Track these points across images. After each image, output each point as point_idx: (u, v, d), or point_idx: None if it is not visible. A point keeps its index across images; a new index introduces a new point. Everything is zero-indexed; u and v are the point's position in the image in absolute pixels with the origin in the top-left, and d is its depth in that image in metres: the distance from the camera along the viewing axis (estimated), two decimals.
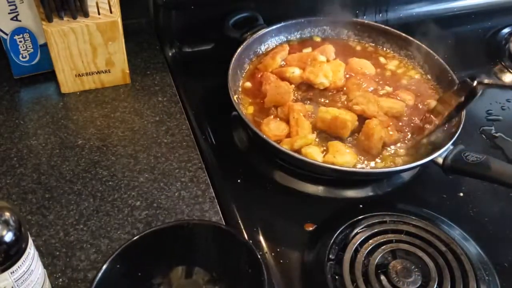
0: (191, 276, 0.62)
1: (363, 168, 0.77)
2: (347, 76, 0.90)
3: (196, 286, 0.62)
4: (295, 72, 0.88)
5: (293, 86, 0.86)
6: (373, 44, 0.99)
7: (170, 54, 0.99)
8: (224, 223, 0.70)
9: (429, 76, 0.93)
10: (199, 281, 0.62)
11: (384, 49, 0.98)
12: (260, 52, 0.94)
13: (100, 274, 0.55)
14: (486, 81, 0.72)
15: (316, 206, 0.76)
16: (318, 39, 0.99)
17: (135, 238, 0.59)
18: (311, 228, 0.72)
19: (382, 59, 0.96)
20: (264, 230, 0.71)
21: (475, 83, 0.72)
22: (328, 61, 0.91)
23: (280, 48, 0.93)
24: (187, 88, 0.92)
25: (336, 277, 0.65)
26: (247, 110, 0.84)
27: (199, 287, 0.62)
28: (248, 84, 0.88)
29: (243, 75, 0.90)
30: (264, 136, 0.76)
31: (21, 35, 0.84)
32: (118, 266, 0.57)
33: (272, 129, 0.80)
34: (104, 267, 0.56)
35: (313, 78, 0.86)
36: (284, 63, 0.92)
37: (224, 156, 0.82)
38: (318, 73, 0.86)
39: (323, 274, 0.65)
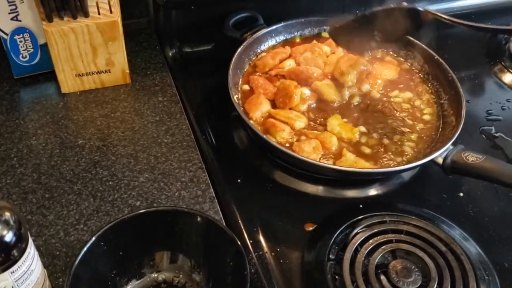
0: (176, 262, 0.63)
1: (363, 168, 0.77)
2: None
3: (180, 272, 0.63)
4: (291, 64, 0.89)
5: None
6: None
7: (170, 54, 0.99)
8: (224, 223, 0.70)
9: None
10: (184, 267, 0.63)
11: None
12: (259, 51, 0.94)
13: (85, 249, 0.56)
14: (431, 10, 0.79)
15: (316, 206, 0.76)
16: (326, 35, 0.99)
17: (122, 217, 0.60)
18: (311, 228, 0.72)
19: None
20: (264, 230, 0.71)
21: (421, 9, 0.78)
22: (333, 52, 0.92)
23: (282, 50, 0.92)
24: (187, 88, 0.92)
25: (336, 277, 0.65)
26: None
27: (183, 273, 0.63)
28: (246, 87, 0.88)
29: (242, 77, 0.90)
30: (265, 136, 0.76)
31: (21, 35, 0.84)
32: (102, 243, 0.58)
33: (308, 152, 0.77)
34: (90, 242, 0.57)
35: (304, 65, 0.87)
36: (289, 55, 0.92)
37: (224, 156, 0.82)
38: (311, 63, 0.87)
39: (323, 274, 0.65)
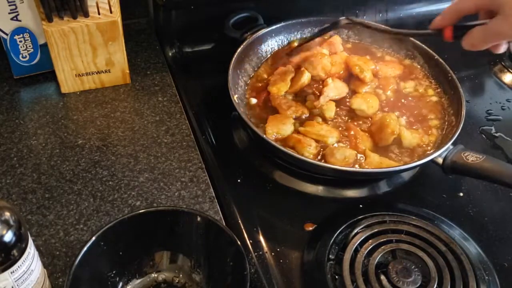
0: (176, 262, 0.63)
1: (362, 167, 0.77)
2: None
3: (179, 272, 0.63)
4: (307, 76, 0.87)
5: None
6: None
7: (170, 54, 0.99)
8: (224, 223, 0.70)
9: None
10: (184, 267, 0.63)
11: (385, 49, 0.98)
12: (260, 52, 0.94)
13: (85, 249, 0.56)
14: (353, 18, 0.81)
15: (316, 206, 0.76)
16: (326, 37, 0.98)
17: (122, 217, 0.60)
18: (311, 228, 0.72)
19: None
20: (264, 230, 0.71)
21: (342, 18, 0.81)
22: (335, 53, 0.92)
23: (286, 69, 0.89)
24: (187, 88, 0.92)
25: (336, 277, 0.65)
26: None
27: (183, 273, 0.63)
28: (253, 101, 0.87)
29: (247, 88, 0.89)
30: (264, 135, 0.76)
31: (21, 35, 0.84)
32: (102, 243, 0.58)
33: (339, 159, 0.76)
34: (90, 242, 0.57)
35: (311, 70, 0.87)
36: (289, 62, 0.91)
37: (224, 156, 0.82)
38: (317, 66, 0.87)
39: (323, 274, 0.65)
